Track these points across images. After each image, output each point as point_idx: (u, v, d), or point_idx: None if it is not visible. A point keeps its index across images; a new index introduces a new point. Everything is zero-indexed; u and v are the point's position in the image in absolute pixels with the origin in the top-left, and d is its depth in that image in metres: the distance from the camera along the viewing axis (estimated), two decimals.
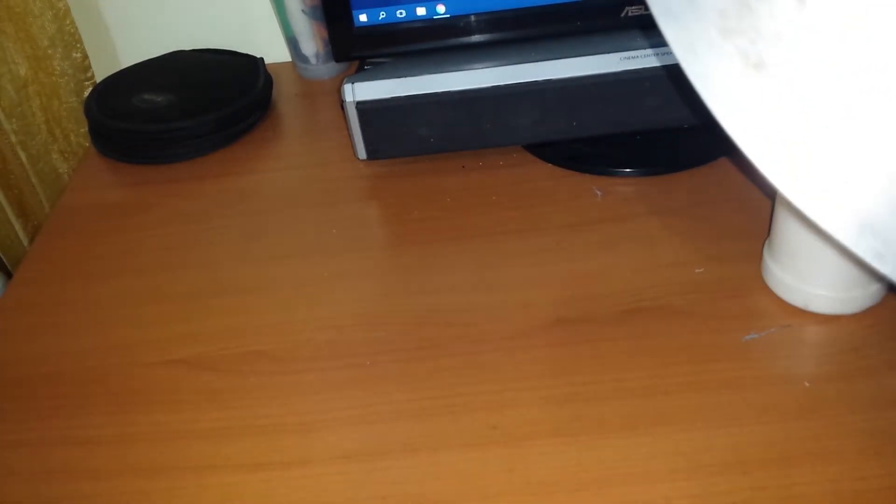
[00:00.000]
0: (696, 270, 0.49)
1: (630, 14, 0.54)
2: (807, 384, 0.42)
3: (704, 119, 0.56)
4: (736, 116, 0.32)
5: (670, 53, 0.53)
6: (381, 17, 0.55)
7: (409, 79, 0.54)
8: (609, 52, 0.54)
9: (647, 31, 0.55)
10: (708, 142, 0.58)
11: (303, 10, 0.70)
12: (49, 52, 0.71)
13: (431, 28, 0.55)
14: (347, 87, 0.55)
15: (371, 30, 0.55)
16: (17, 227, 0.77)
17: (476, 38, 0.55)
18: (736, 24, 0.31)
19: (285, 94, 0.73)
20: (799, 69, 0.30)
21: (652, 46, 0.53)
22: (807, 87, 0.30)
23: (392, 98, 0.55)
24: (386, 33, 0.55)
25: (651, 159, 0.57)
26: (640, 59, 0.53)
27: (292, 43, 0.73)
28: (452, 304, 0.48)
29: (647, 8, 0.53)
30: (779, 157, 0.31)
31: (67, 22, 0.71)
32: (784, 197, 0.32)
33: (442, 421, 0.42)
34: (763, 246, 0.49)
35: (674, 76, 0.54)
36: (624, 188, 0.56)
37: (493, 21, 0.55)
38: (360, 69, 0.58)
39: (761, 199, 0.53)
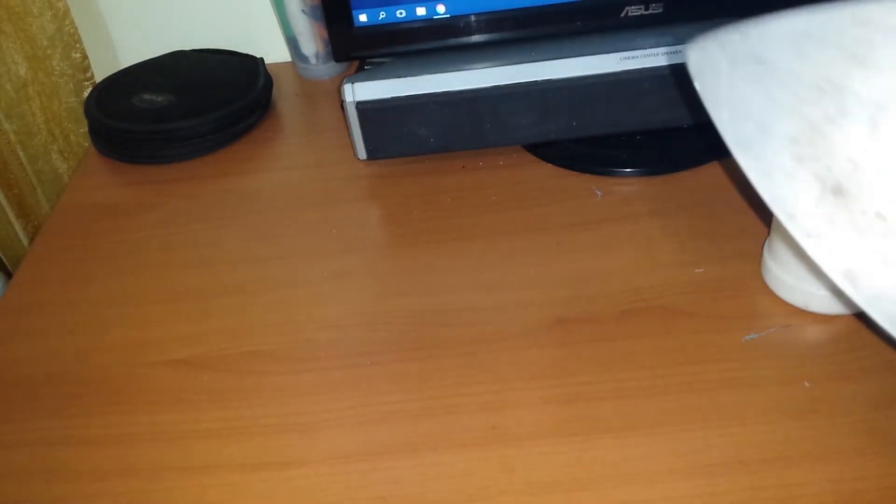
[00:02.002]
0: (696, 270, 0.49)
1: (630, 14, 0.54)
2: (807, 384, 0.42)
3: (705, 119, 0.56)
4: (815, 240, 0.32)
5: (669, 53, 0.53)
6: (381, 17, 0.55)
7: (408, 79, 0.54)
8: (609, 52, 0.54)
9: (647, 31, 0.55)
10: (708, 142, 0.58)
11: (303, 10, 0.70)
12: (49, 52, 0.71)
13: (431, 28, 0.55)
14: (347, 87, 0.55)
15: (371, 30, 0.55)
16: (17, 227, 0.77)
17: (476, 38, 0.55)
18: (810, 150, 0.31)
19: (285, 94, 0.73)
20: (880, 194, 0.30)
21: (651, 46, 0.53)
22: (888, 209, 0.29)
23: (392, 98, 0.55)
24: (386, 33, 0.55)
25: (651, 159, 0.57)
26: (640, 59, 0.53)
27: (292, 43, 0.73)
28: (452, 304, 0.48)
29: (646, 8, 0.53)
30: (858, 273, 0.31)
31: (67, 22, 0.71)
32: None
33: (442, 421, 0.42)
34: (763, 246, 0.49)
35: (673, 76, 0.54)
36: (624, 188, 0.56)
37: (493, 21, 0.55)
38: (360, 69, 0.58)
39: (761, 198, 0.53)
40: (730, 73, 0.33)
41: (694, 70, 0.35)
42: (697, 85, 0.34)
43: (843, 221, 0.31)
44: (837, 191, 0.31)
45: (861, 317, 0.45)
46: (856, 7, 0.29)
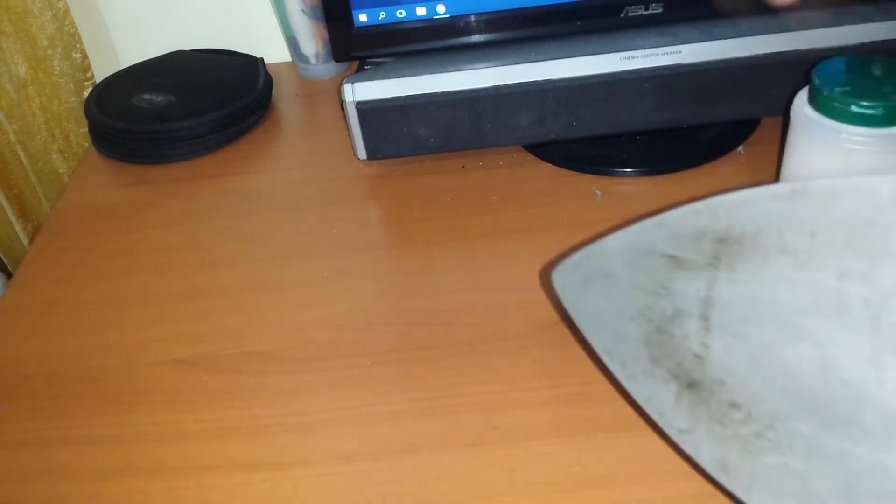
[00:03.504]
0: None
1: (630, 14, 0.54)
2: None
3: (705, 119, 0.56)
4: (686, 436, 0.35)
5: (670, 53, 0.53)
6: (381, 17, 0.55)
7: (408, 79, 0.54)
8: (609, 52, 0.53)
9: (647, 31, 0.55)
10: (708, 141, 0.58)
11: (303, 10, 0.70)
12: (49, 52, 0.71)
13: (431, 28, 0.55)
14: (347, 87, 0.55)
15: (371, 30, 0.55)
16: (17, 227, 0.77)
17: (476, 38, 0.55)
18: (661, 350, 0.34)
19: (285, 94, 0.72)
20: (728, 384, 0.32)
21: (651, 47, 0.53)
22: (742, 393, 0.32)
23: (392, 98, 0.55)
24: (386, 33, 0.55)
25: (651, 159, 0.57)
26: (640, 60, 0.53)
27: (292, 43, 0.73)
28: (452, 304, 0.48)
29: (646, 8, 0.53)
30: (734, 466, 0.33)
31: (67, 22, 0.71)
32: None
33: (442, 421, 0.41)
34: None
35: (675, 76, 0.54)
36: (624, 188, 0.56)
37: (493, 21, 0.55)
38: (360, 69, 0.57)
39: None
40: (584, 290, 0.37)
41: (559, 291, 0.39)
42: (565, 304, 0.39)
43: (703, 414, 0.34)
44: (691, 385, 0.34)
45: None
46: (664, 217, 0.33)
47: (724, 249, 0.31)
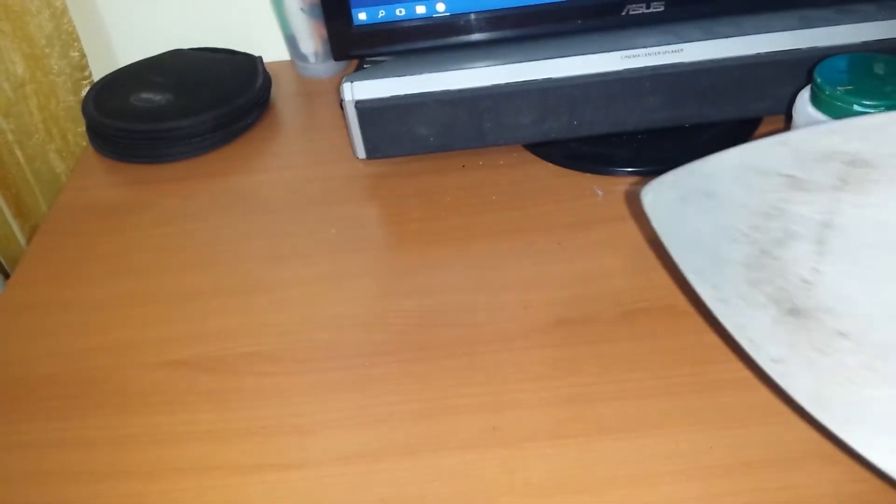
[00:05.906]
0: None
1: (631, 13, 0.54)
2: None
3: (706, 118, 0.56)
4: (781, 365, 0.33)
5: (672, 52, 0.53)
6: (381, 15, 0.55)
7: (408, 77, 0.54)
8: (610, 51, 0.53)
9: (648, 29, 0.55)
10: (709, 141, 0.58)
11: (301, 9, 0.70)
12: (46, 50, 0.70)
13: (431, 26, 0.55)
14: (347, 86, 0.55)
15: (370, 28, 0.55)
16: (15, 227, 0.77)
17: (476, 36, 0.55)
18: (762, 274, 0.32)
19: (284, 92, 0.72)
20: (836, 311, 0.30)
21: (653, 45, 0.53)
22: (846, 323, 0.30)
23: (391, 97, 0.54)
24: (385, 32, 0.55)
25: (652, 159, 0.57)
26: (642, 58, 0.53)
27: (291, 41, 0.73)
28: (452, 305, 0.48)
29: (647, 6, 0.53)
30: (829, 394, 0.31)
31: (65, 20, 0.70)
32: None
33: (442, 422, 0.41)
34: None
35: (677, 75, 0.53)
36: (625, 188, 0.56)
37: (493, 19, 0.54)
38: (359, 68, 0.57)
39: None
40: (682, 208, 0.36)
41: (650, 210, 0.37)
42: (654, 224, 0.37)
43: (803, 343, 0.32)
44: (794, 312, 0.32)
45: None
46: (787, 137, 0.31)
47: (852, 172, 0.30)
